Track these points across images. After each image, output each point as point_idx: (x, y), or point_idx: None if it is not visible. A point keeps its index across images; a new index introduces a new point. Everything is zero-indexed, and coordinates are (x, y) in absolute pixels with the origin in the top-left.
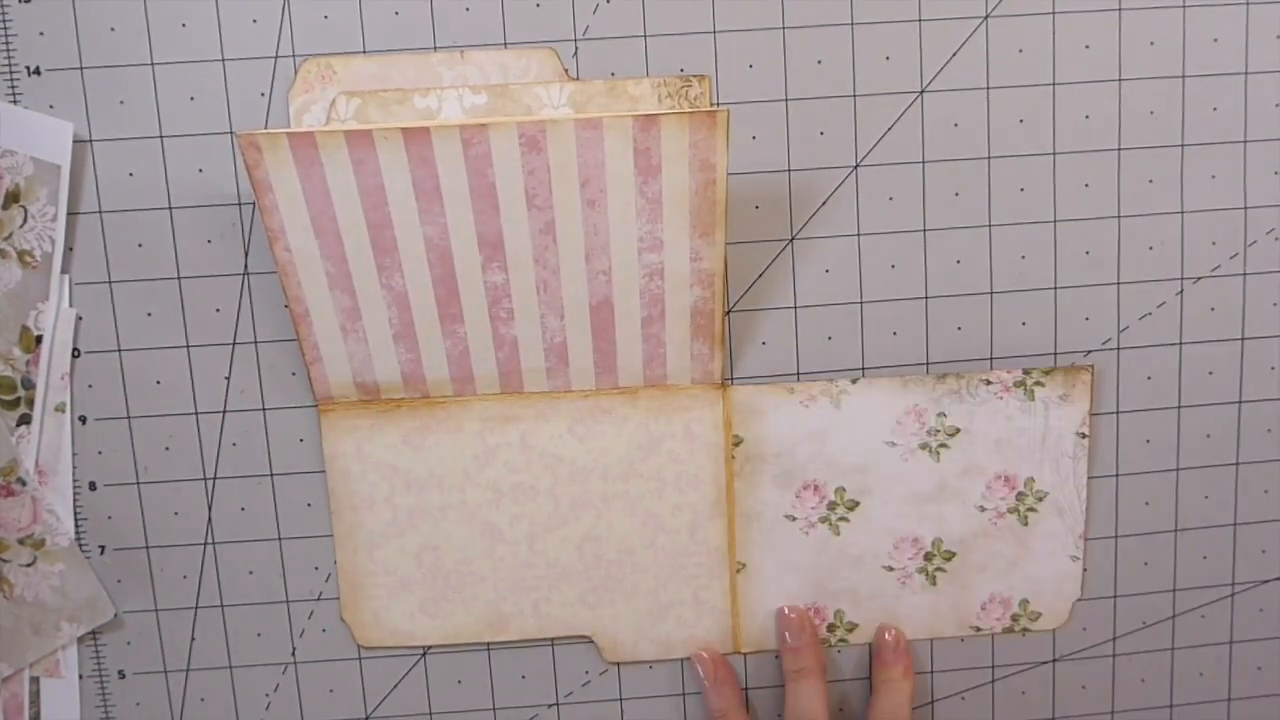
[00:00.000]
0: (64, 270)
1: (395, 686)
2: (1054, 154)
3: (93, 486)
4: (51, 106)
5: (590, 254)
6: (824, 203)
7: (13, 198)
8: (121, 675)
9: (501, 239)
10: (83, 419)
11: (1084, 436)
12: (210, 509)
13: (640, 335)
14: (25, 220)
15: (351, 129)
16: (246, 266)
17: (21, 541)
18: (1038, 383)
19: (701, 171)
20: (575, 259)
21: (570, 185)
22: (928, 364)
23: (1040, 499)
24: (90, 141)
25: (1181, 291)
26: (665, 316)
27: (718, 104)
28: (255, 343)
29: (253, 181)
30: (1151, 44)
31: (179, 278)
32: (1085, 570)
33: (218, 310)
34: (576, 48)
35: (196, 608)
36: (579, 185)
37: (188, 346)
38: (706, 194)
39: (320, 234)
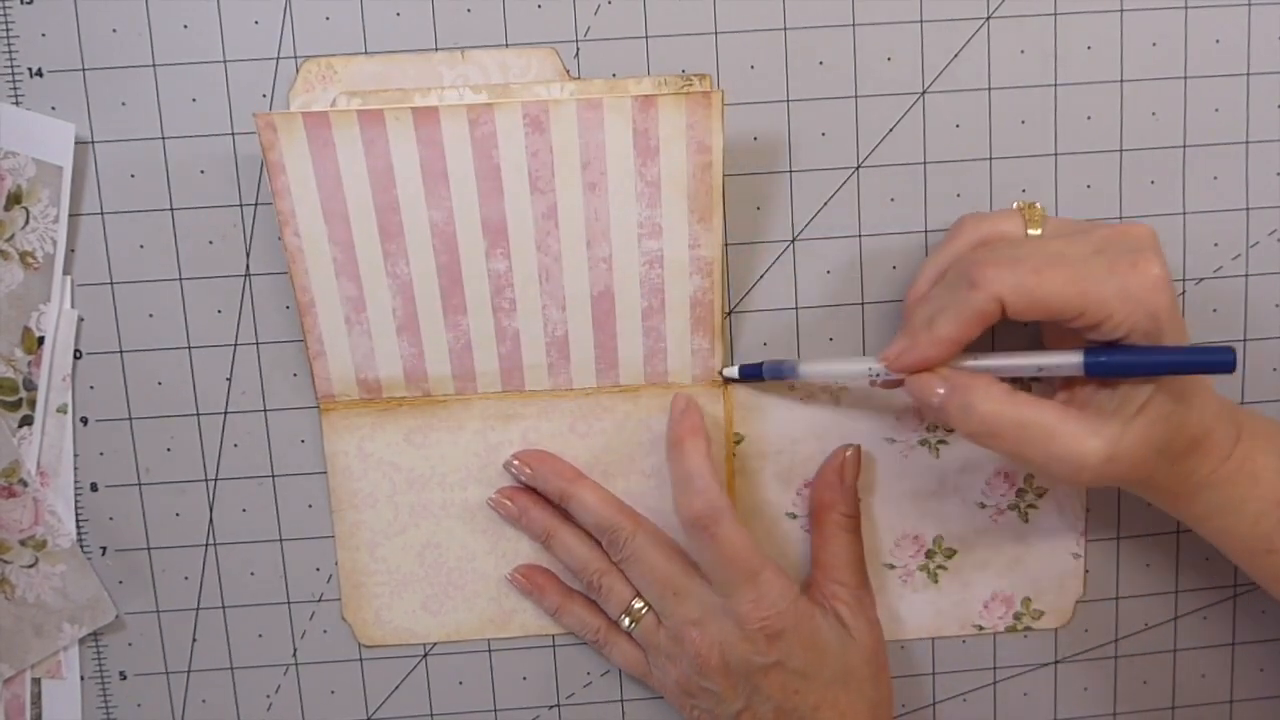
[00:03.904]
0: (66, 271)
1: (397, 688)
2: (1055, 155)
3: (94, 488)
4: (53, 108)
5: (591, 240)
6: (825, 204)
7: (15, 199)
8: (123, 676)
9: (505, 224)
10: (84, 420)
11: None
12: (211, 510)
13: (641, 329)
14: (27, 221)
15: (364, 109)
16: (248, 268)
17: (23, 543)
18: (1034, 378)
19: (698, 154)
20: (577, 245)
21: (572, 167)
22: None
23: (1040, 495)
24: (92, 143)
25: (1184, 293)
26: (665, 308)
27: None
28: (256, 344)
29: (267, 164)
30: (1154, 45)
31: (180, 279)
32: (1087, 571)
33: (219, 311)
34: (578, 48)
35: (198, 609)
36: (580, 167)
37: (189, 348)
38: (703, 177)
39: (330, 219)
